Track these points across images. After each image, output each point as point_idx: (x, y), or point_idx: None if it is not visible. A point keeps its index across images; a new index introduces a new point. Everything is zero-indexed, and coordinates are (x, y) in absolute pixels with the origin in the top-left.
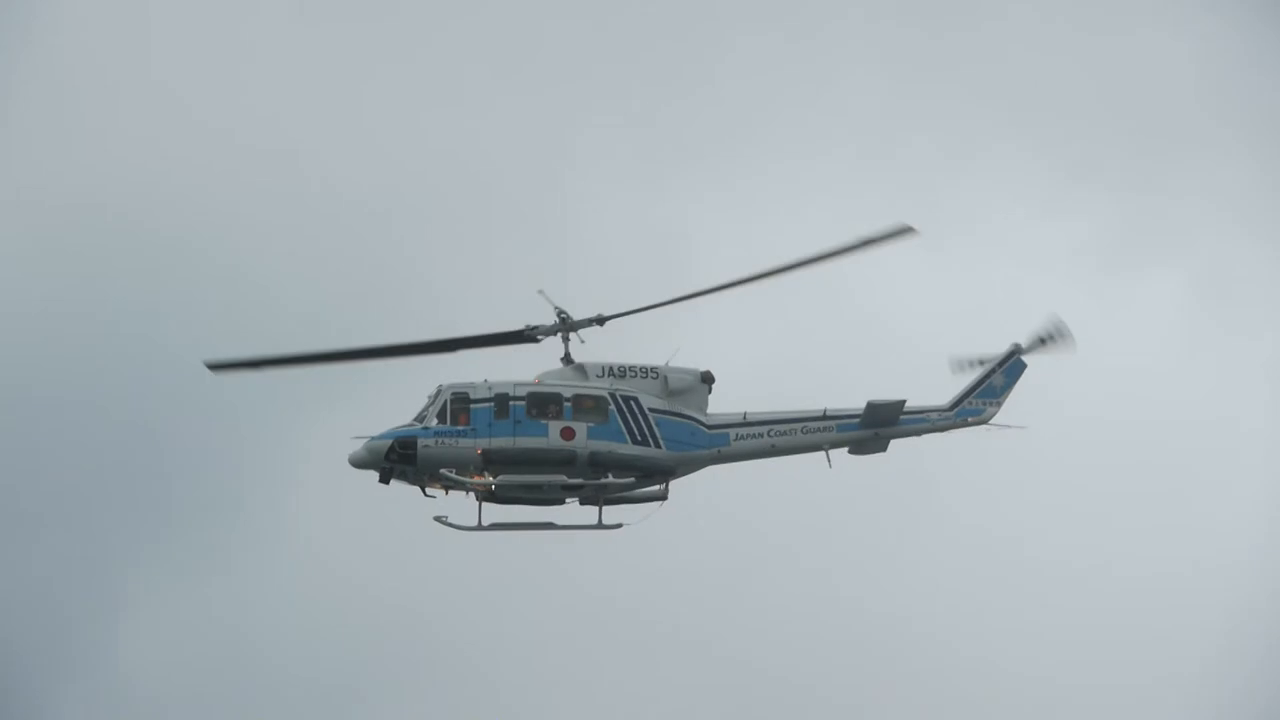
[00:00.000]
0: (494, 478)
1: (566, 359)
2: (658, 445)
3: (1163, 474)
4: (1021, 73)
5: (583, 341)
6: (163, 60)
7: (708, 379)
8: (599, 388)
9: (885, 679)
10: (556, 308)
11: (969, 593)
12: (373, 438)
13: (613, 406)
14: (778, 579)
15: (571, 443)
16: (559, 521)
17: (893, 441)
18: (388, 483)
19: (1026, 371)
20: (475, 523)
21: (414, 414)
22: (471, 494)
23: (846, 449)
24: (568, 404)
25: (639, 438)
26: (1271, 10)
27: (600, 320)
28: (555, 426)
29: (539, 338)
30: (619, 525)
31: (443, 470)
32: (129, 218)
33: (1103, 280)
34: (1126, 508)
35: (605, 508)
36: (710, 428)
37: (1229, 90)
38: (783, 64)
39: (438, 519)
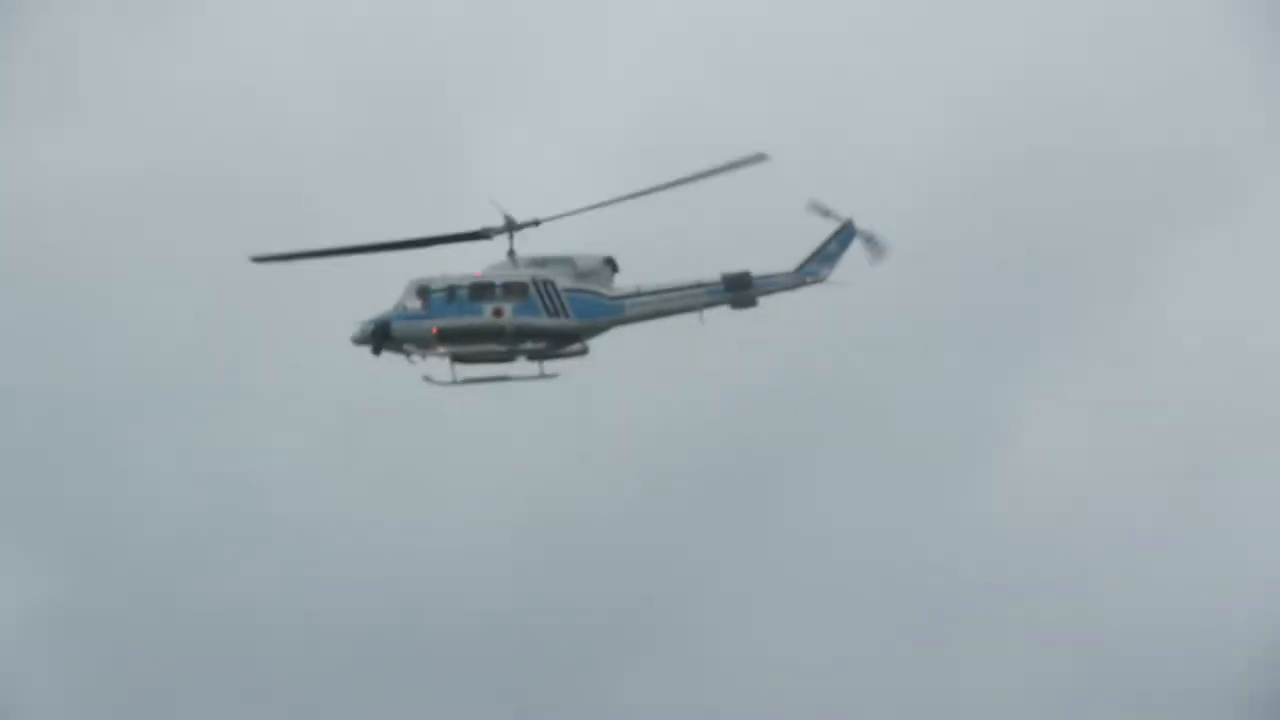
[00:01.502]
0: (447, 347)
1: (509, 253)
2: (567, 316)
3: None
4: None
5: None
6: None
7: (610, 262)
8: (523, 275)
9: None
10: (504, 214)
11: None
12: (363, 322)
13: (532, 289)
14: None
15: (501, 319)
16: (512, 374)
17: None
18: (379, 354)
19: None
20: (450, 379)
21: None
22: (446, 358)
23: (729, 306)
24: (499, 289)
25: (553, 311)
26: None
27: (537, 222)
28: (489, 307)
29: (492, 236)
30: (555, 375)
31: (406, 346)
32: None
33: None
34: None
35: (544, 363)
36: (611, 299)
37: None
38: None
39: (425, 378)
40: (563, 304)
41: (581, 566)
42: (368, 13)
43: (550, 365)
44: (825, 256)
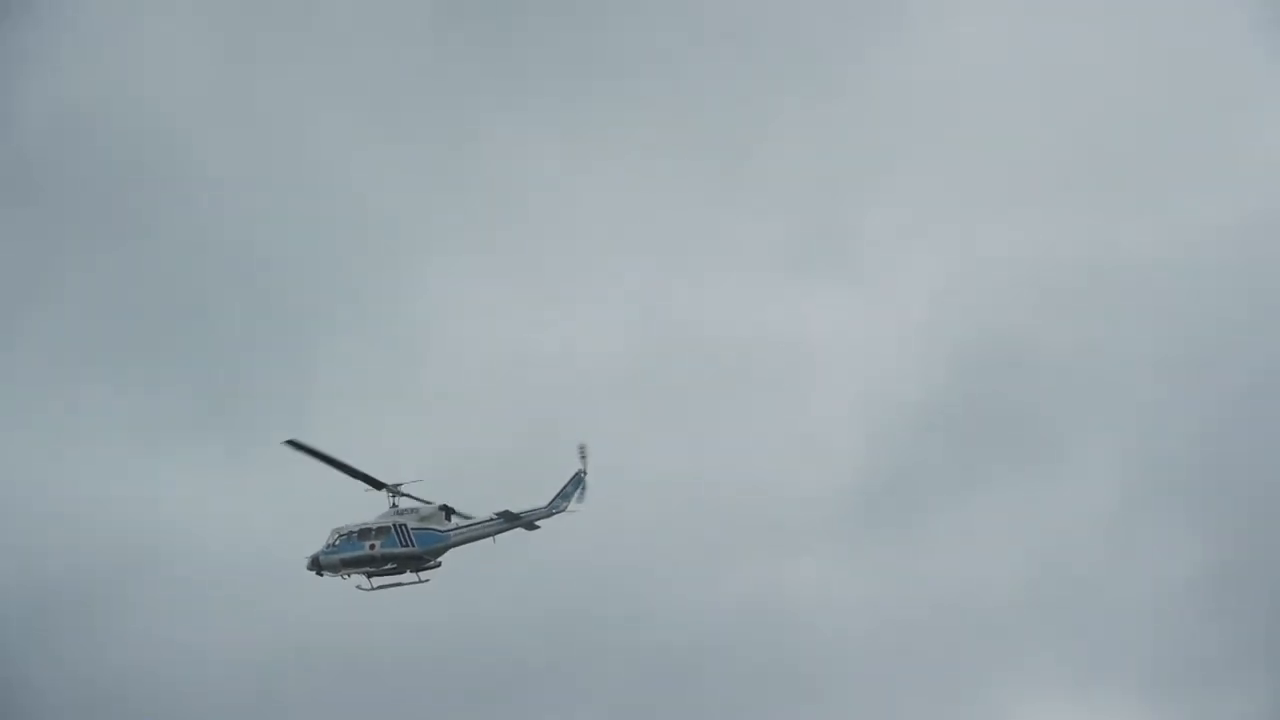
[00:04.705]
0: (350, 569)
1: (391, 504)
2: (414, 545)
3: None
4: None
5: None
6: None
7: (445, 509)
8: (388, 521)
9: None
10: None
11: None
12: (307, 556)
13: (392, 530)
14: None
15: (373, 551)
16: (403, 581)
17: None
18: (321, 575)
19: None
20: (369, 586)
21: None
22: (361, 574)
23: (524, 528)
24: (373, 531)
25: (404, 543)
26: None
27: (395, 492)
28: (366, 543)
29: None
30: (428, 580)
31: (325, 570)
32: None
33: None
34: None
35: (420, 573)
36: (442, 532)
37: None
38: None
39: (357, 586)
40: (410, 538)
41: None
42: None
43: (423, 574)
44: (564, 495)
